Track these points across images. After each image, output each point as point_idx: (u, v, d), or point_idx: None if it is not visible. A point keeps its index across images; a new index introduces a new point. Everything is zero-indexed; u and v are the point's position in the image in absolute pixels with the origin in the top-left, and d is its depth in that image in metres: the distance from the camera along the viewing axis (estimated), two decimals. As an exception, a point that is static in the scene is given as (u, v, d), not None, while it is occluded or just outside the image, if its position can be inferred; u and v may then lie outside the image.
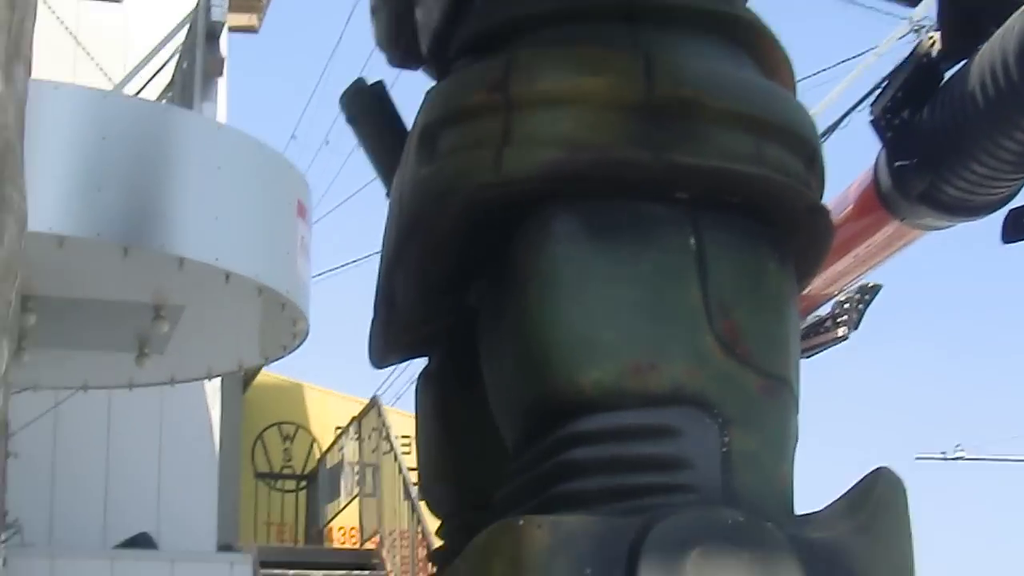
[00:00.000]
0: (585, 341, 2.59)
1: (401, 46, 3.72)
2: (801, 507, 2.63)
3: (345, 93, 3.84)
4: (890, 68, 5.69)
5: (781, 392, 2.65)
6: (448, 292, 2.98)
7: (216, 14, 9.07)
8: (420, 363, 3.30)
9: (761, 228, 2.76)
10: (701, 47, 2.91)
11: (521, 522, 2.41)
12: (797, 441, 2.70)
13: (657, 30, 2.90)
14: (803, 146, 2.85)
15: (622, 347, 2.58)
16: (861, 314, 8.73)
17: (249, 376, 14.77)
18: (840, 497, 2.59)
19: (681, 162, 2.70)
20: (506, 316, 2.74)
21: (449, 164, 2.83)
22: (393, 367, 3.83)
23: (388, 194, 3.79)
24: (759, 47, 2.99)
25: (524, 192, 2.73)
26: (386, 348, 3.23)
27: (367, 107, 3.70)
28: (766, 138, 2.78)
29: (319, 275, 16.81)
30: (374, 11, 3.92)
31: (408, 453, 11.93)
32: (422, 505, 10.47)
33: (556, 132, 2.74)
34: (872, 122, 5.44)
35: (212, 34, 9.21)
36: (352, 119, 3.79)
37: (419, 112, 3.09)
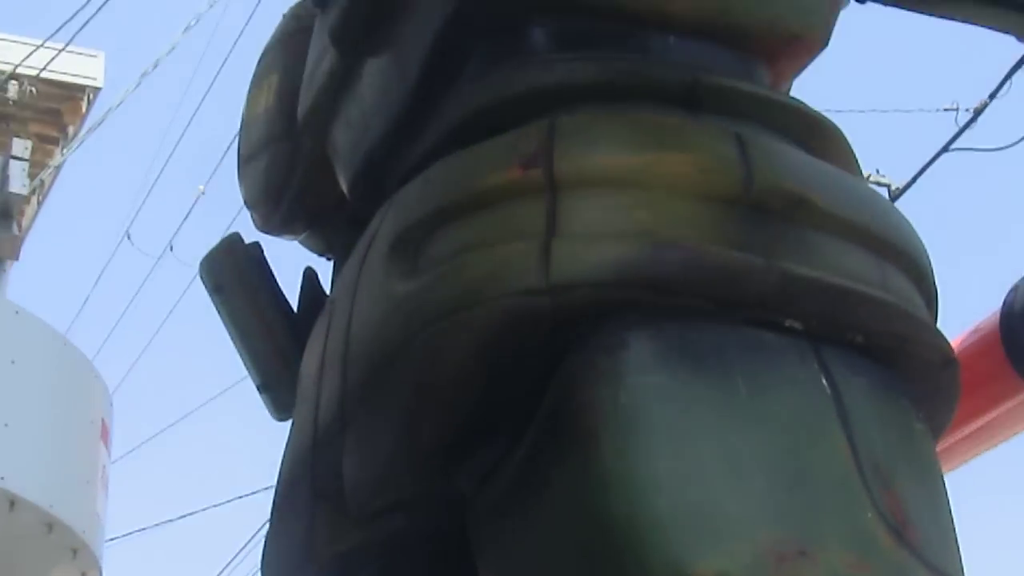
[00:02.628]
0: (698, 514, 1.76)
1: (286, 201, 2.97)
2: None
3: (209, 256, 3.04)
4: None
5: None
6: (440, 462, 2.07)
7: (14, 185, 7.87)
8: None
9: (893, 376, 2.00)
10: (784, 141, 2.20)
11: None
12: None
13: (725, 118, 2.18)
14: (924, 279, 2.18)
15: (754, 524, 1.75)
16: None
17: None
18: None
19: (797, 275, 1.95)
20: (553, 487, 1.87)
21: (460, 269, 2.01)
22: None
23: (262, 389, 2.94)
24: (837, 156, 2.30)
25: (582, 303, 1.91)
26: (314, 554, 2.26)
27: (240, 274, 2.90)
28: (888, 261, 2.10)
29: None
30: (249, 158, 3.15)
31: None
32: None
33: (626, 221, 1.97)
34: None
35: (6, 212, 7.99)
36: (219, 288, 2.97)
37: (377, 226, 2.27)
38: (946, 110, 8.71)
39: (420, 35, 2.45)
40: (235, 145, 3.30)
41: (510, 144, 2.09)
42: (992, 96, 7.35)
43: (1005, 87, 7.09)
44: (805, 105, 2.33)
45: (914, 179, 7.33)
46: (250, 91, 3.30)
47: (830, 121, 2.33)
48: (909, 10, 1.82)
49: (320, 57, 2.85)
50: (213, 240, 3.07)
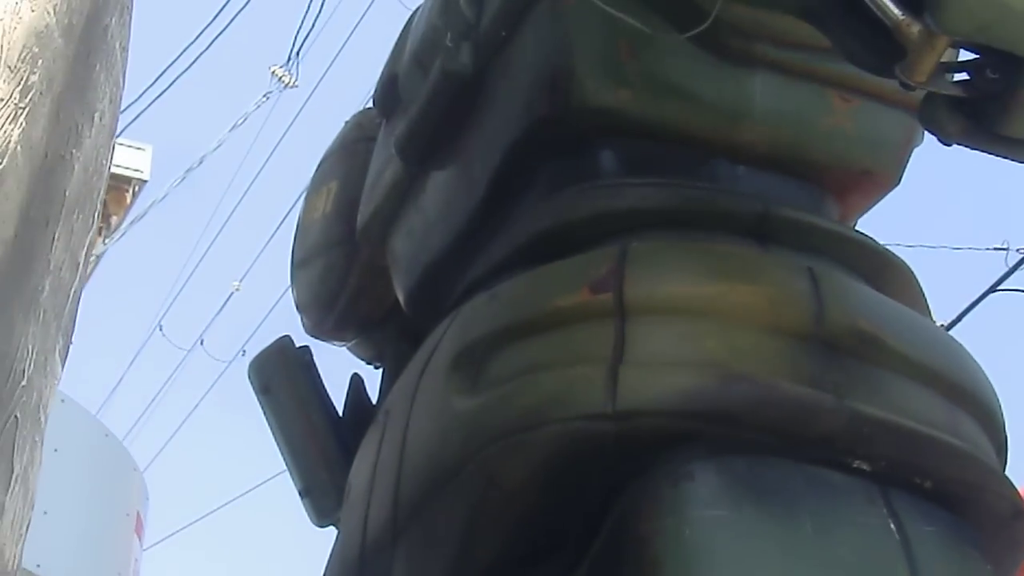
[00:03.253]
0: None
1: (338, 307, 2.96)
2: None
3: (259, 358, 3.02)
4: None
5: None
6: None
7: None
8: None
9: (962, 525, 1.95)
10: (854, 277, 2.17)
11: None
12: None
13: (794, 251, 2.16)
14: (994, 426, 2.14)
15: None
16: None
17: None
18: None
19: (868, 415, 1.92)
20: None
21: (526, 389, 1.98)
22: None
23: (303, 494, 2.91)
24: (906, 294, 2.26)
25: (647, 431, 1.87)
26: None
27: (288, 377, 2.88)
28: (959, 406, 2.06)
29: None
30: (304, 262, 3.14)
31: None
32: None
33: (695, 351, 1.95)
34: None
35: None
36: (265, 389, 2.95)
37: (439, 338, 2.25)
38: (996, 249, 8.65)
39: (488, 151, 2.46)
40: (272, 245, 3.31)
41: (581, 267, 2.07)
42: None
43: None
44: (875, 241, 2.31)
45: (960, 317, 7.24)
46: (308, 196, 3.32)
47: (899, 258, 2.31)
48: (995, 155, 1.80)
49: (384, 166, 2.86)
50: (243, 337, 3.09)
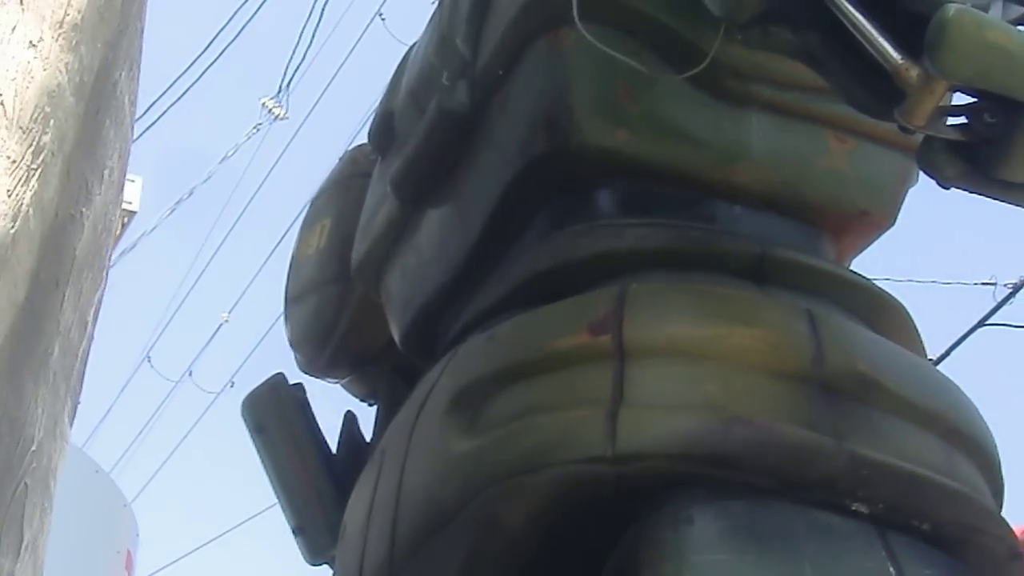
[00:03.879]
0: None
1: (332, 344, 2.95)
2: None
3: (252, 396, 3.01)
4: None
5: None
6: None
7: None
8: None
9: (960, 568, 1.96)
10: (852, 318, 2.18)
11: None
12: None
13: (792, 292, 2.16)
14: (991, 468, 2.15)
15: None
16: None
17: None
18: None
19: (867, 457, 1.92)
20: None
21: (523, 432, 1.98)
22: None
23: (297, 532, 2.91)
24: (902, 335, 2.27)
25: (647, 474, 1.88)
26: None
27: (282, 416, 2.88)
28: (956, 448, 2.07)
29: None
30: (298, 298, 3.14)
31: None
32: None
33: (695, 394, 1.94)
34: None
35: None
36: (260, 429, 2.95)
37: (436, 378, 2.24)
38: (984, 284, 8.65)
39: (485, 190, 2.45)
40: (261, 276, 3.31)
41: (580, 308, 2.07)
42: (1031, 272, 7.36)
43: None
44: (872, 283, 2.31)
45: (948, 351, 7.25)
46: (302, 231, 3.31)
47: (896, 300, 2.31)
48: (994, 198, 1.81)
49: (379, 204, 2.85)
50: (232, 368, 3.07)
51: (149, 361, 14.55)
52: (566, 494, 1.90)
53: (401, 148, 2.72)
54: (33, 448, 1.37)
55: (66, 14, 1.46)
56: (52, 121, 1.43)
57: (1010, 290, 7.82)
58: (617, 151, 2.29)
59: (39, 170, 1.39)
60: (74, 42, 1.46)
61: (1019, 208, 1.88)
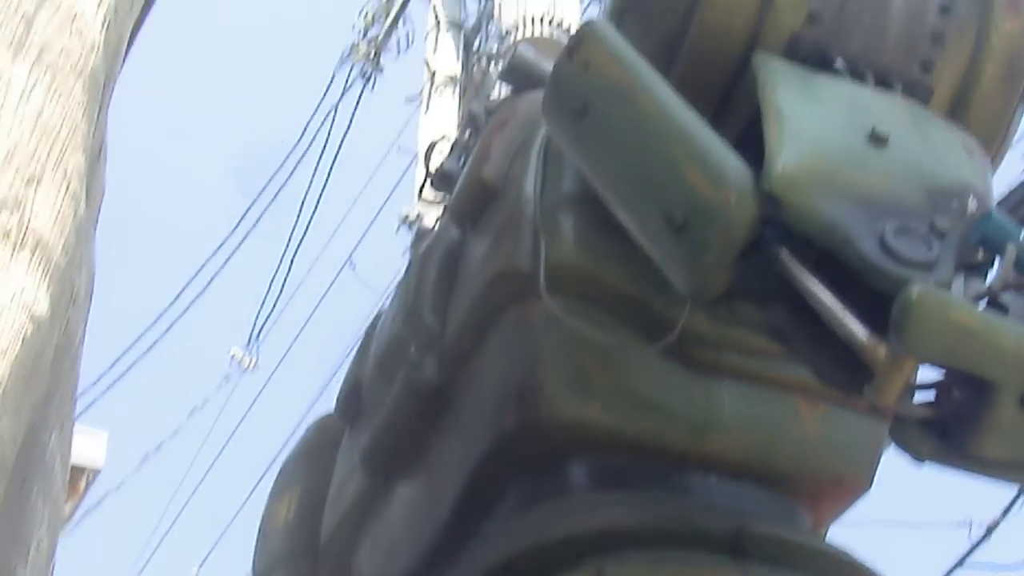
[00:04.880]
0: None
1: None
2: None
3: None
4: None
5: None
6: None
7: None
8: None
9: None
10: None
11: None
12: None
13: (771, 567, 2.12)
14: None
15: None
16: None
17: None
18: None
19: None
20: None
21: None
22: None
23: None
24: None
25: None
26: None
27: None
28: None
29: None
30: (266, 573, 3.07)
31: None
32: None
33: None
34: None
35: None
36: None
37: None
38: (958, 525, 8.58)
39: (454, 467, 2.42)
40: (232, 531, 3.22)
41: None
42: (1005, 512, 7.29)
43: (1019, 502, 7.05)
44: (846, 554, 2.27)
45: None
46: (269, 502, 3.24)
47: (870, 569, 2.27)
48: (969, 473, 1.79)
49: (348, 476, 2.80)
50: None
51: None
52: None
53: (370, 419, 2.69)
54: None
55: None
56: None
57: (984, 530, 7.74)
58: (589, 424, 2.28)
59: None
60: None
61: (1002, 484, 1.87)
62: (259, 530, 3.23)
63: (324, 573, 2.89)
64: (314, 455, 3.12)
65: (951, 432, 1.76)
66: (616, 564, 2.05)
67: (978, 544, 7.49)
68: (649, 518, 2.17)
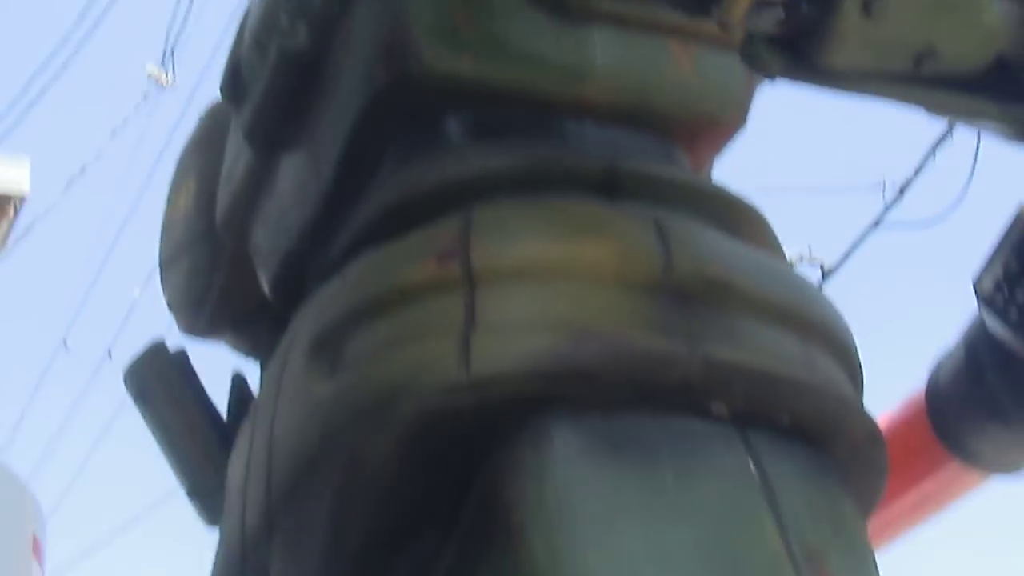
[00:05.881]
0: None
1: (209, 303, 2.92)
2: None
3: (132, 364, 2.95)
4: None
5: None
6: (369, 565, 2.00)
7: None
8: None
9: (821, 458, 1.97)
10: (705, 225, 2.17)
11: None
12: None
13: (643, 204, 2.15)
14: (848, 357, 2.15)
15: None
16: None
17: None
18: None
19: (721, 359, 1.92)
20: None
21: (380, 367, 1.96)
22: None
23: (191, 495, 2.86)
24: (760, 239, 2.27)
25: (504, 397, 1.86)
26: None
27: (164, 382, 2.83)
28: (812, 342, 2.07)
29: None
30: (170, 262, 3.08)
31: None
32: None
33: (546, 313, 1.93)
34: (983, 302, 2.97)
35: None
36: (142, 395, 2.89)
37: (297, 327, 2.22)
38: (873, 186, 8.75)
39: (334, 131, 2.41)
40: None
41: (426, 239, 2.05)
42: (916, 171, 7.44)
43: (930, 161, 7.18)
44: (725, 189, 2.31)
45: (845, 257, 7.35)
46: (169, 194, 3.24)
47: (751, 204, 2.31)
48: (822, 89, 1.81)
49: (236, 156, 2.80)
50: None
51: (66, 346, 14.31)
52: (425, 426, 1.88)
53: (252, 96, 2.66)
54: None
55: None
56: None
57: (900, 188, 7.92)
58: (460, 77, 2.26)
59: None
60: None
61: (855, 98, 1.88)
62: (161, 223, 3.24)
63: (226, 254, 2.92)
64: (206, 142, 3.10)
65: (800, 47, 1.77)
66: (486, 208, 2.06)
67: (891, 205, 7.67)
68: (520, 162, 2.18)
